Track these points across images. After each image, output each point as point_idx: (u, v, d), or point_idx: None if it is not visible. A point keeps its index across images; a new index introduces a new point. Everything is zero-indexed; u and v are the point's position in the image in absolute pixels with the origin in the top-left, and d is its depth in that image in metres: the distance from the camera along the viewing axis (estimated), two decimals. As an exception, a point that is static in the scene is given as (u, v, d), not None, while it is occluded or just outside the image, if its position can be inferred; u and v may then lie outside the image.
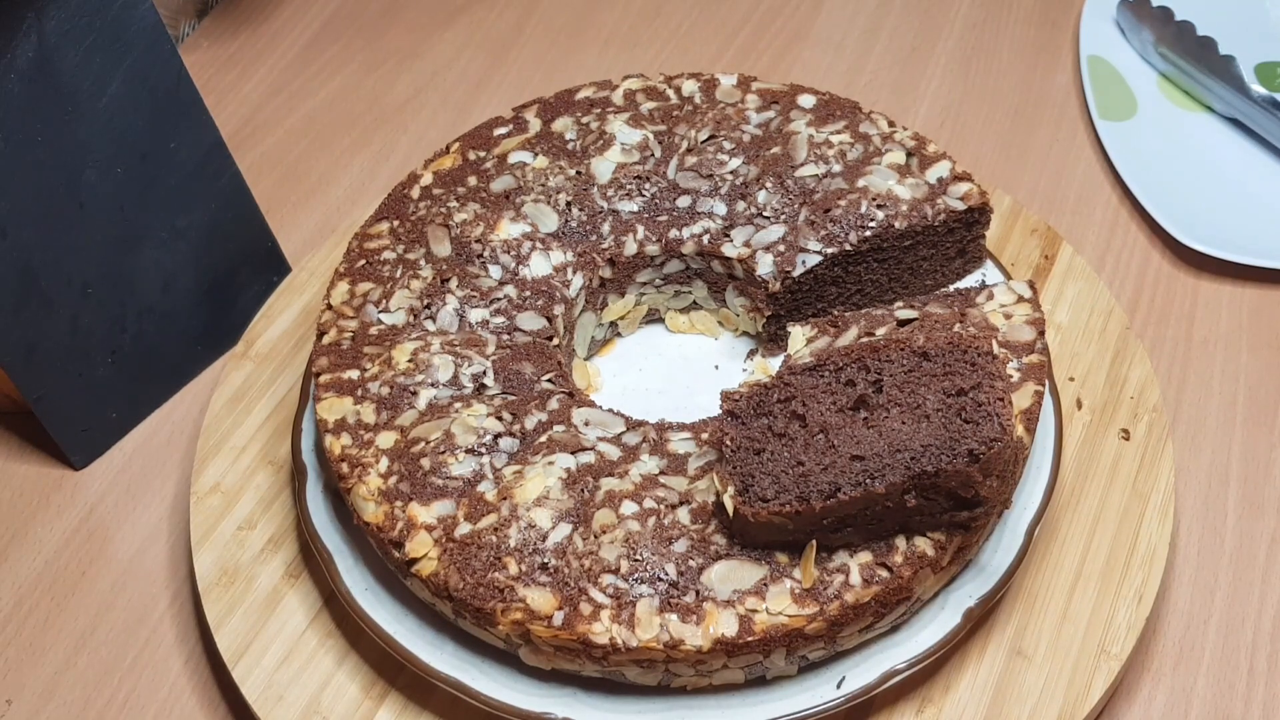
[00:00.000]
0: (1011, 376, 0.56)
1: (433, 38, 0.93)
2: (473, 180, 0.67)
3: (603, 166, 0.66)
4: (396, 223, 0.66)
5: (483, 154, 0.68)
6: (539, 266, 0.64)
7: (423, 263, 0.64)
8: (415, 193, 0.67)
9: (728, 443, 0.53)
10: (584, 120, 0.69)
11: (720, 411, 0.54)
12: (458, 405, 0.58)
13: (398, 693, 0.57)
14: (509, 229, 0.64)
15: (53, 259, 0.63)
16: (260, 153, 0.85)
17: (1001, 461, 0.50)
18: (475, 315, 0.62)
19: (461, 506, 0.55)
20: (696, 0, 0.94)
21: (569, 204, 0.66)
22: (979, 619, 0.56)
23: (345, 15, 0.95)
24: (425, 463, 0.56)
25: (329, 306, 0.63)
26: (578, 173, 0.66)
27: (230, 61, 0.92)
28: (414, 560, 0.54)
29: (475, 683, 0.55)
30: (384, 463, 0.56)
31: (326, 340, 0.61)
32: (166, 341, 0.71)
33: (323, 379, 0.60)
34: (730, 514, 0.52)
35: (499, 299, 0.62)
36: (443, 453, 0.56)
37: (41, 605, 0.64)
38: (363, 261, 0.64)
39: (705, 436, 0.57)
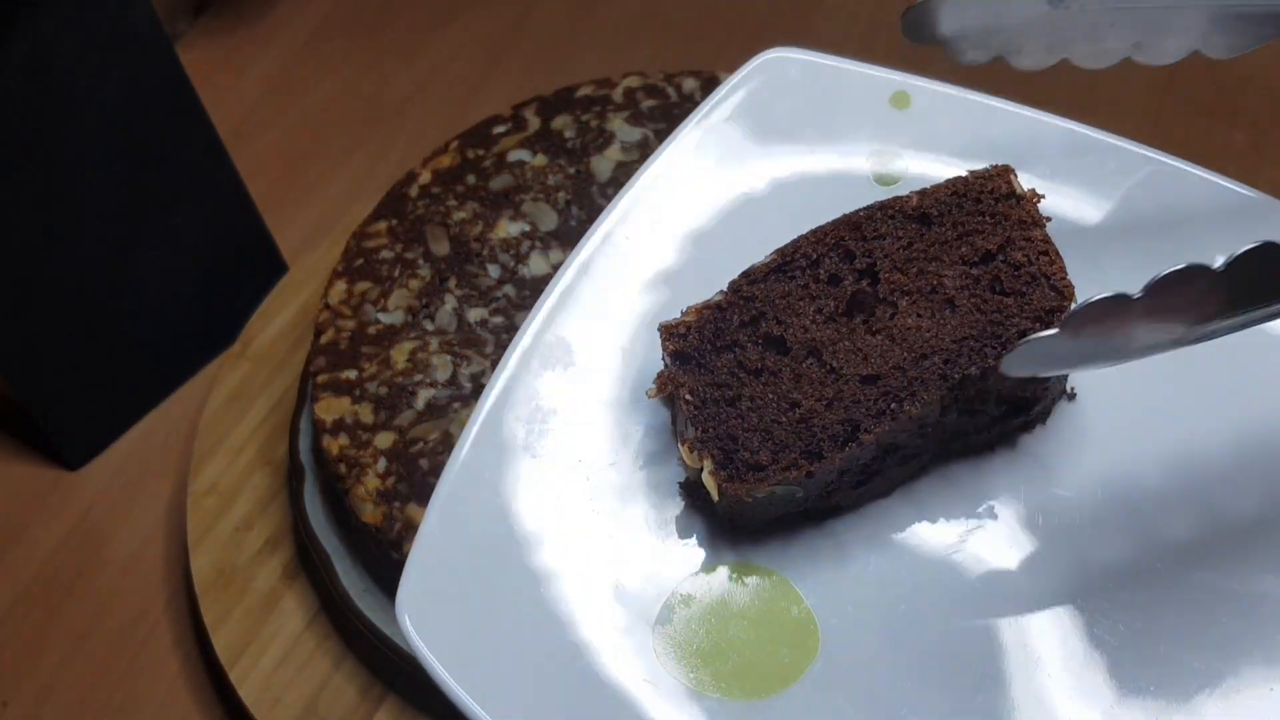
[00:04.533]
0: (1047, 221, 0.41)
1: (431, 35, 0.92)
2: (471, 179, 0.66)
3: (602, 165, 0.66)
4: (394, 221, 0.65)
5: (481, 152, 0.68)
6: (538, 265, 0.63)
7: (421, 262, 0.63)
8: (413, 191, 0.67)
9: (687, 396, 0.40)
10: (583, 118, 0.68)
11: (664, 355, 0.41)
12: (456, 405, 0.58)
13: (395, 695, 0.57)
14: (508, 228, 0.64)
15: (47, 258, 0.63)
16: (257, 151, 0.85)
17: None
18: (474, 315, 0.62)
19: (460, 507, 0.55)
20: (696, -2, 0.94)
21: (568, 203, 0.65)
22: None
23: (343, 13, 0.95)
24: (424, 463, 0.56)
25: (327, 306, 0.62)
26: (577, 171, 0.66)
27: (227, 59, 0.91)
28: (412, 561, 0.54)
29: (474, 685, 0.54)
30: (382, 463, 0.56)
31: (324, 340, 0.61)
32: (163, 341, 0.70)
33: (320, 379, 0.60)
34: (715, 497, 0.40)
35: (498, 298, 0.62)
36: (441, 453, 0.56)
37: (38, 606, 0.64)
38: (360, 260, 0.64)
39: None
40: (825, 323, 0.40)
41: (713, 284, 0.42)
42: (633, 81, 0.70)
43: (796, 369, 0.40)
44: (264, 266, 0.74)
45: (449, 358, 0.60)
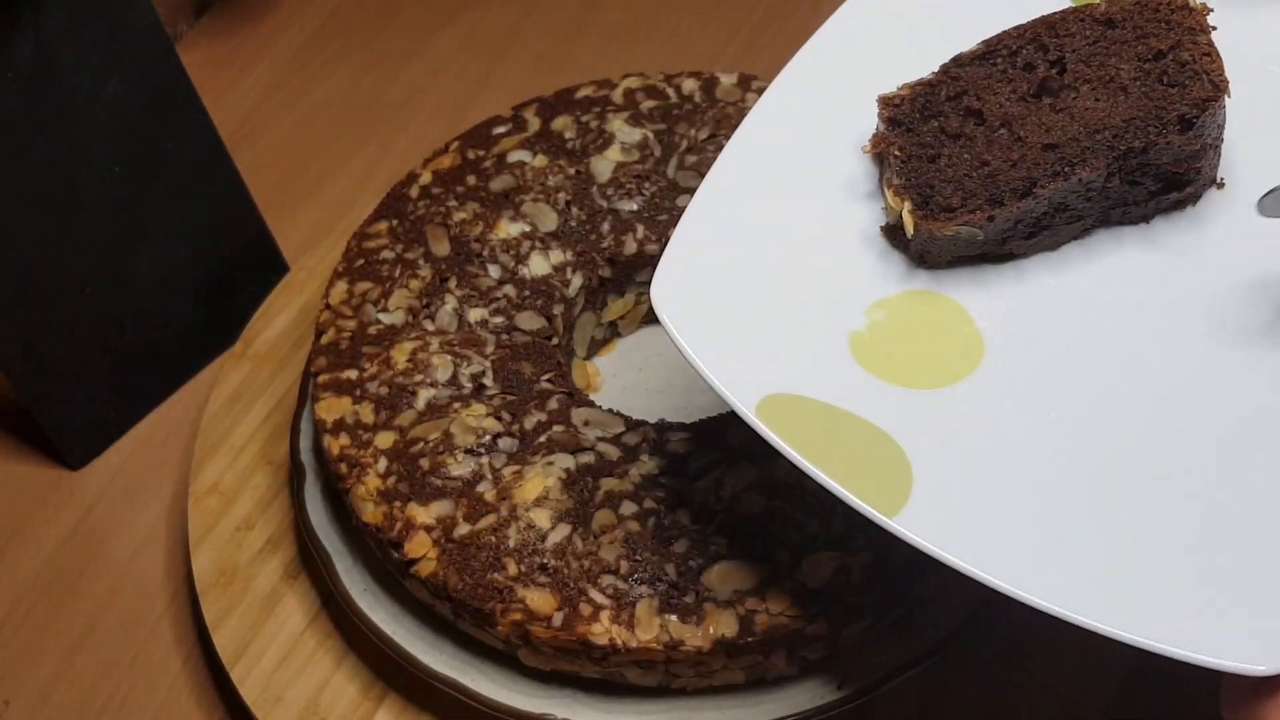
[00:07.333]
0: (1213, 30, 0.48)
1: (432, 36, 0.92)
2: (471, 179, 0.66)
3: (602, 165, 0.66)
4: (395, 222, 0.65)
5: (481, 153, 0.68)
6: (538, 266, 0.63)
7: (421, 262, 0.63)
8: (414, 192, 0.67)
9: (896, 153, 0.48)
10: (583, 119, 0.68)
11: (879, 119, 0.50)
12: (457, 405, 0.58)
13: (396, 694, 0.57)
14: (508, 228, 0.64)
15: (50, 258, 0.63)
16: (258, 151, 0.85)
17: (1216, 126, 0.47)
18: (474, 315, 0.62)
19: (460, 507, 0.55)
20: (696, -1, 0.94)
21: (568, 203, 0.65)
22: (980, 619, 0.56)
23: (344, 13, 0.95)
24: (424, 463, 0.56)
25: (327, 306, 0.63)
26: (577, 172, 0.66)
27: (228, 60, 0.92)
28: (413, 561, 0.54)
29: (475, 684, 0.55)
30: (383, 463, 0.56)
31: (325, 340, 0.61)
32: (164, 341, 0.71)
33: (321, 379, 0.60)
34: (911, 232, 0.48)
35: (498, 298, 0.62)
36: (441, 453, 0.56)
37: (39, 606, 0.64)
38: (361, 261, 0.64)
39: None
40: (1018, 101, 0.48)
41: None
42: (633, 82, 0.70)
43: (989, 136, 0.48)
44: (265, 267, 0.74)
45: (449, 358, 0.60)
